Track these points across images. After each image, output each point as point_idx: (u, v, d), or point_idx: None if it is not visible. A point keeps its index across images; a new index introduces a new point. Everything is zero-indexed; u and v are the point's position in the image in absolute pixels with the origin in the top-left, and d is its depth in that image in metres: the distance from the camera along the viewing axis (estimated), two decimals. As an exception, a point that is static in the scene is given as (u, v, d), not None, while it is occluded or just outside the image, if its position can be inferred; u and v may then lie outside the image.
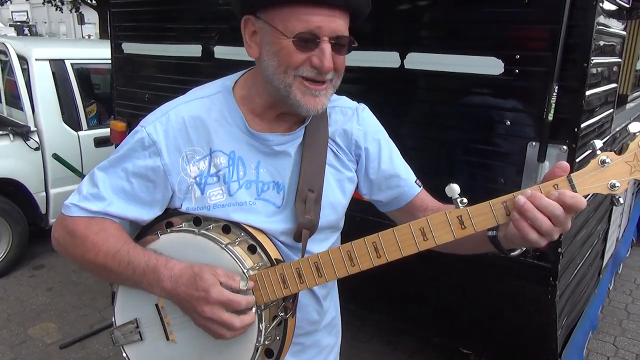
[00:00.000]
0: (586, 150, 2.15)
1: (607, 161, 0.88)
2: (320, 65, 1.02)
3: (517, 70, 2.04)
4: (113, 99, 4.05)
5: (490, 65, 2.10)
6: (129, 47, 3.76)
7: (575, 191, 0.89)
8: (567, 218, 0.90)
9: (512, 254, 1.03)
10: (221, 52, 3.08)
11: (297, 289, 1.07)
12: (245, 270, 1.06)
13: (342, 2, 1.02)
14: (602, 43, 2.08)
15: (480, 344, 2.80)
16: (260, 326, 1.07)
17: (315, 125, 1.20)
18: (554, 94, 1.91)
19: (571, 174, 0.90)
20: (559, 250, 2.08)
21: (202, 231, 1.10)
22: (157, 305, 1.14)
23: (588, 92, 1.97)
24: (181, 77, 3.32)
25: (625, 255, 4.47)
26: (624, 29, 2.46)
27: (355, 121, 1.25)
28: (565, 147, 1.97)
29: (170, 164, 1.11)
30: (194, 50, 3.23)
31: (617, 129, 2.78)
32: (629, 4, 2.39)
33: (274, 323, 1.11)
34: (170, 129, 1.11)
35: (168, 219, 1.16)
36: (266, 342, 1.09)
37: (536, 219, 0.89)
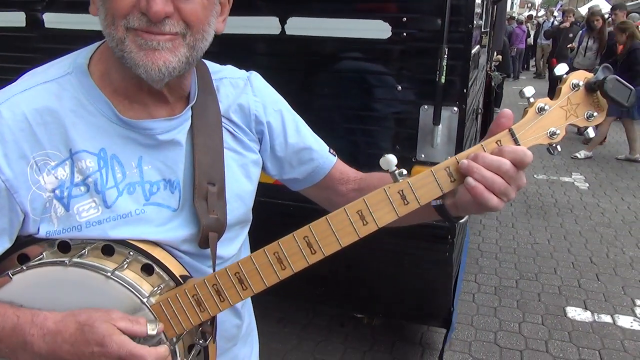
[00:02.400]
0: (470, 112, 2.25)
1: (545, 108, 0.85)
2: (147, 7, 0.79)
3: (404, 34, 2.02)
4: None
5: (377, 29, 2.04)
6: None
7: (518, 145, 0.85)
8: (520, 173, 0.84)
9: (460, 220, 0.96)
10: (54, 20, 2.54)
11: (217, 310, 0.89)
12: (145, 300, 0.84)
13: None
14: (477, 5, 2.16)
15: (375, 306, 2.86)
16: None
17: (203, 103, 0.98)
18: (445, 56, 1.92)
19: (512, 127, 0.85)
20: (456, 208, 2.16)
21: (75, 260, 0.84)
22: None
23: (472, 53, 2.03)
24: (1, 53, 2.68)
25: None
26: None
27: (250, 92, 1.06)
28: (456, 108, 2.02)
29: (13, 178, 0.83)
30: (14, 18, 2.61)
31: (477, 89, 2.99)
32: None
33: (191, 355, 0.92)
34: (6, 130, 0.82)
35: (20, 250, 0.87)
36: None
37: (486, 179, 0.82)
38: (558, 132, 0.85)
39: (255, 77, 1.10)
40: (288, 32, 2.18)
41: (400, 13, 2.00)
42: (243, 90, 1.05)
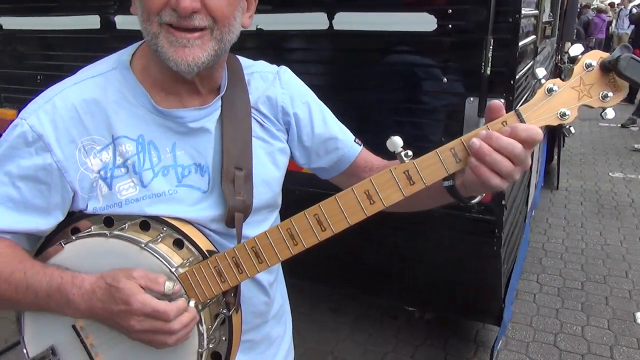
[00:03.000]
0: (519, 102, 2.19)
1: (554, 89, 0.83)
2: (176, 3, 0.86)
3: (450, 26, 2.01)
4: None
5: (423, 22, 2.04)
6: (9, 22, 3.26)
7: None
8: (527, 154, 0.83)
9: (472, 201, 0.96)
10: (124, 21, 2.75)
11: (236, 280, 0.96)
12: (173, 269, 0.92)
13: None
14: (527, -6, 2.10)
15: (426, 300, 2.86)
16: (201, 328, 0.95)
17: (233, 95, 1.06)
18: (490, 47, 1.89)
19: (518, 108, 0.84)
20: (503, 202, 2.12)
21: (116, 232, 0.94)
22: (74, 327, 0.98)
23: (521, 43, 1.98)
24: (78, 54, 2.94)
25: (538, 199, 4.81)
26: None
27: (278, 85, 1.12)
28: (502, 100, 1.98)
29: (64, 160, 0.93)
30: (90, 21, 2.86)
31: (535, 81, 2.89)
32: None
33: (216, 323, 0.99)
34: (58, 118, 0.93)
35: (74, 224, 0.99)
36: (210, 346, 0.98)
37: (496, 162, 0.81)
38: (569, 112, 0.83)
39: (285, 71, 1.16)
40: (335, 27, 2.23)
41: (445, 5, 1.99)
42: (272, 84, 1.12)
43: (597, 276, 3.93)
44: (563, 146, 6.14)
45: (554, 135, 5.52)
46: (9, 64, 3.39)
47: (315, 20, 2.25)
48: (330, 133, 1.15)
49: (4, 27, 3.29)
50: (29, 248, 1.00)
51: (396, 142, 0.87)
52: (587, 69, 0.83)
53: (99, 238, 0.94)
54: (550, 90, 0.83)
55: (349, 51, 2.29)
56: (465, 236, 2.31)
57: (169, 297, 0.90)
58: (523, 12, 1.96)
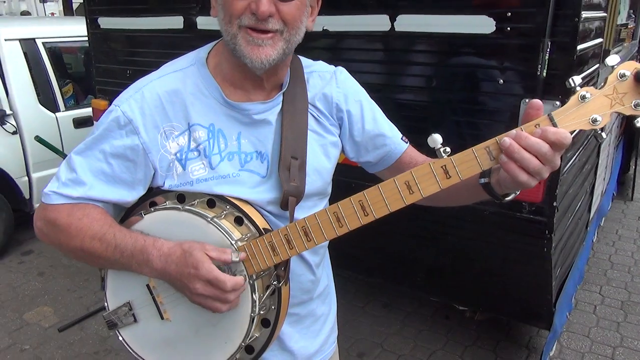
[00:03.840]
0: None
1: (587, 96, 0.88)
2: (256, 8, 0.99)
3: (508, 28, 2.05)
4: (93, 77, 3.93)
5: (482, 24, 2.10)
6: (106, 22, 3.63)
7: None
8: (555, 155, 0.90)
9: (507, 198, 1.03)
10: (204, 22, 3.01)
11: (287, 255, 1.06)
12: (233, 242, 1.05)
13: None
14: (590, -2, 2.10)
15: (476, 299, 2.88)
16: (254, 296, 1.06)
17: (293, 91, 1.18)
18: (547, 50, 1.93)
19: (552, 113, 0.89)
20: (554, 204, 2.14)
21: (187, 207, 1.08)
22: (148, 286, 1.14)
23: (579, 47, 1.99)
24: (163, 51, 3.24)
25: (607, 208, 4.62)
26: (609, -16, 2.48)
27: (334, 84, 1.23)
28: (558, 102, 2.00)
29: (149, 142, 1.09)
30: (175, 22, 3.14)
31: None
32: (613, -42, 2.41)
33: (267, 292, 1.10)
34: (145, 106, 1.08)
35: (151, 198, 1.14)
36: (261, 312, 1.10)
37: (523, 159, 0.89)
38: (600, 118, 0.88)
39: (341, 71, 1.27)
40: (397, 28, 2.33)
41: (504, 8, 2.04)
42: (328, 82, 1.24)
43: (666, 292, 3.74)
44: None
45: (631, 145, 5.27)
46: (103, 60, 3.78)
47: (378, 22, 2.37)
48: (379, 130, 1.26)
49: (101, 27, 3.68)
50: (115, 216, 1.15)
51: (436, 139, 0.95)
52: (620, 78, 0.87)
53: (173, 211, 1.09)
54: (583, 97, 0.88)
55: (409, 52, 2.39)
56: (517, 236, 2.33)
57: (233, 270, 1.04)
58: (584, 15, 1.97)
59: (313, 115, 1.21)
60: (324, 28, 2.49)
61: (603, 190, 3.98)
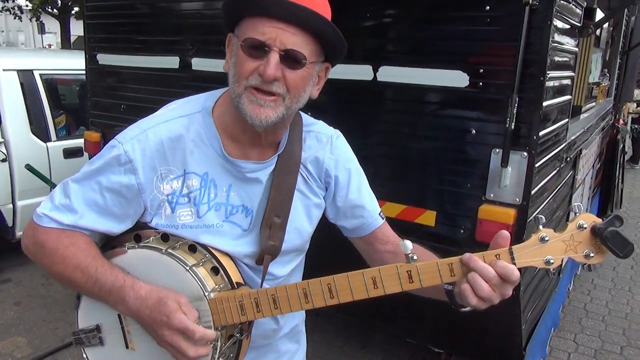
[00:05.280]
0: (544, 157, 2.33)
1: (546, 238, 0.96)
2: (263, 71, 1.03)
3: (480, 83, 2.21)
4: (87, 110, 4.04)
5: (457, 78, 2.26)
6: (104, 59, 3.78)
7: (514, 263, 0.98)
8: (504, 285, 0.98)
9: (463, 309, 1.07)
10: (199, 63, 3.16)
11: (254, 317, 1.12)
12: (206, 294, 1.10)
13: (296, 20, 1.02)
14: (556, 58, 2.28)
15: (449, 342, 2.93)
16: (217, 344, 1.12)
17: (289, 152, 1.22)
18: (515, 104, 2.08)
19: (513, 247, 0.98)
20: (522, 249, 2.23)
21: (169, 250, 1.13)
22: (119, 315, 1.18)
23: (545, 103, 2.15)
24: (158, 89, 3.36)
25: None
26: (577, 46, 2.67)
27: (328, 150, 1.28)
28: (525, 153, 2.14)
29: (145, 182, 1.12)
30: (171, 61, 3.28)
31: (572, 137, 3.00)
32: (580, 23, 2.61)
33: (229, 342, 1.15)
34: (147, 149, 1.12)
35: (137, 231, 1.18)
36: (220, 359, 1.14)
37: (475, 282, 0.98)
38: (553, 260, 0.97)
39: (338, 137, 1.32)
40: (379, 78, 2.49)
41: (477, 65, 2.21)
42: (324, 146, 1.28)
43: (638, 342, 3.82)
44: (620, 207, 5.99)
45: (608, 195, 5.44)
46: (99, 94, 3.90)
47: (363, 72, 2.52)
48: (360, 201, 1.31)
49: (99, 62, 3.82)
50: (100, 242, 1.20)
51: (407, 245, 1.02)
52: (579, 228, 0.96)
53: (155, 252, 1.14)
54: (542, 239, 0.96)
55: (390, 99, 2.54)
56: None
57: (202, 318, 1.10)
58: (550, 74, 2.13)
59: (302, 176, 1.25)
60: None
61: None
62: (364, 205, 1.31)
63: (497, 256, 0.98)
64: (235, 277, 1.17)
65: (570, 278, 4.27)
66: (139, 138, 1.13)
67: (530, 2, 2.00)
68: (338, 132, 1.33)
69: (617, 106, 5.50)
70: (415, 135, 2.45)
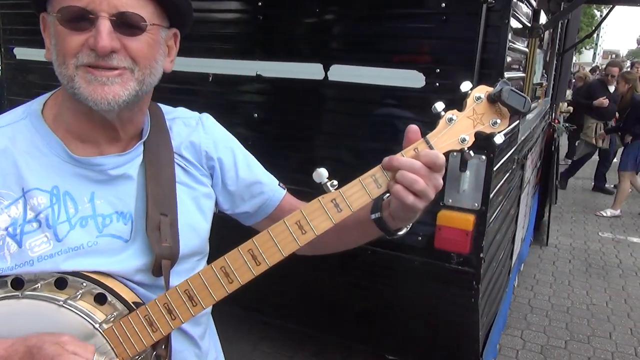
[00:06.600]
0: (501, 159, 2.28)
1: (453, 118, 0.94)
2: (94, 43, 0.84)
3: (437, 84, 2.12)
4: (3, 110, 3.63)
5: (413, 79, 2.16)
6: (23, 53, 3.40)
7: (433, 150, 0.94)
8: (433, 175, 0.92)
9: (399, 233, 1.02)
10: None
11: (169, 328, 0.92)
12: (97, 325, 0.88)
13: None
14: (511, 59, 2.23)
15: (404, 349, 2.86)
16: None
17: (155, 140, 1.04)
18: (473, 106, 2.00)
19: (426, 136, 0.95)
20: (481, 255, 2.18)
21: (27, 292, 0.87)
22: None
23: (502, 105, 2.09)
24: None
25: (526, 254, 4.85)
26: (526, 46, 2.66)
27: (201, 131, 1.12)
28: (484, 156, 2.07)
29: None
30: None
31: (522, 138, 3.00)
32: (530, 23, 2.59)
33: None
34: None
35: None
36: None
37: (404, 177, 0.90)
38: (467, 138, 0.95)
39: (207, 117, 1.16)
40: (330, 77, 2.35)
41: (434, 64, 2.12)
42: (195, 129, 1.11)
43: (581, 335, 3.93)
44: (555, 203, 6.22)
45: (546, 192, 5.63)
46: (17, 92, 3.52)
47: (313, 71, 2.37)
48: (255, 177, 1.16)
49: (17, 57, 3.43)
50: None
51: (322, 173, 0.93)
52: (477, 100, 0.94)
53: (7, 301, 0.88)
54: (450, 120, 0.94)
55: (342, 100, 2.41)
56: (445, 286, 2.35)
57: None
58: (506, 75, 2.08)
59: (180, 166, 1.08)
60: (257, 73, 2.46)
61: (522, 237, 4.17)
62: (260, 180, 1.16)
63: (416, 150, 0.94)
64: (130, 297, 0.94)
65: (516, 275, 4.34)
66: None
67: (488, 0, 1.93)
68: (206, 113, 1.17)
69: (552, 106, 5.69)
70: (369, 138, 2.33)
